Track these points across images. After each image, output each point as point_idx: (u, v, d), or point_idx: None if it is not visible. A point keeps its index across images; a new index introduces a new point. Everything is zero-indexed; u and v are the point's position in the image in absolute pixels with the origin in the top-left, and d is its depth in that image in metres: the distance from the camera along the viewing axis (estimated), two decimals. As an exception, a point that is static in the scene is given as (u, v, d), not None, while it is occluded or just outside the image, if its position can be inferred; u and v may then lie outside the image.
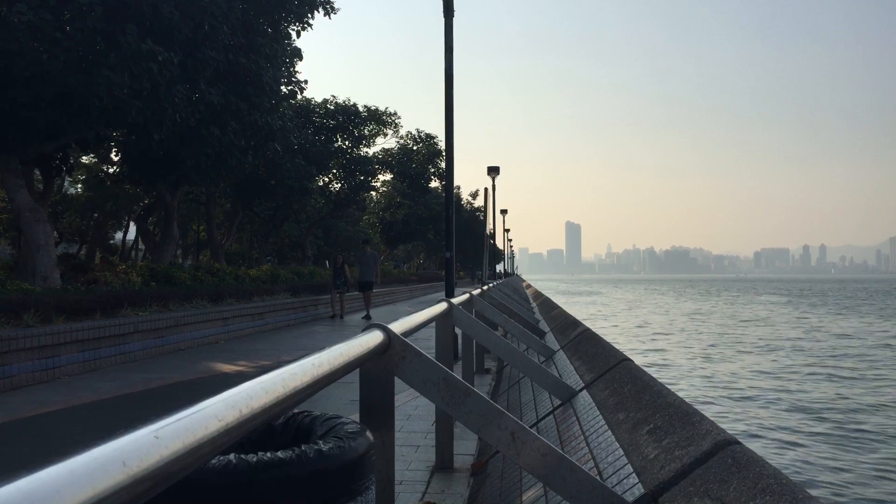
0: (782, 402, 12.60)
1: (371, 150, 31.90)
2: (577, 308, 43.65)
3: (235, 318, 13.13)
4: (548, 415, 3.68)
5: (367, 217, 49.19)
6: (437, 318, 3.56)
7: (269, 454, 1.46)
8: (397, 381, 1.92)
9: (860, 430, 10.35)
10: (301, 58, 16.58)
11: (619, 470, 2.04)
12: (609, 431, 2.47)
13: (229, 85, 12.73)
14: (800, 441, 9.71)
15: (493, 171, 28.41)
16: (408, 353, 1.88)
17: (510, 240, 60.03)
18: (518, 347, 5.71)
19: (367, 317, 16.58)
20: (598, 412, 2.86)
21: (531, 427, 3.02)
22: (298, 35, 15.06)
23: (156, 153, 14.08)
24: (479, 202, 62.45)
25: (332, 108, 28.33)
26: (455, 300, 4.23)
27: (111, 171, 22.90)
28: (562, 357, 5.04)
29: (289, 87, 16.82)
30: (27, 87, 10.18)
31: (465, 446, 4.25)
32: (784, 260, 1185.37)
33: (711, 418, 1.95)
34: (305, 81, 17.47)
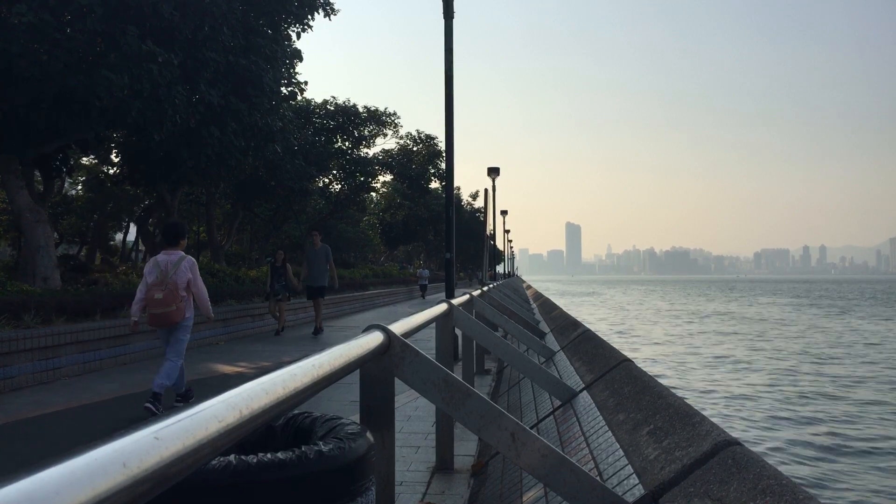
0: (783, 403, 12.59)
1: (371, 151, 31.94)
2: (580, 310, 43.63)
3: (235, 320, 13.14)
4: (548, 415, 3.67)
5: (367, 218, 49.19)
6: (438, 319, 3.56)
7: (269, 455, 1.46)
8: (397, 381, 1.92)
9: (863, 431, 10.33)
10: (301, 59, 16.59)
11: (619, 471, 2.04)
12: (609, 432, 2.47)
13: (229, 86, 12.73)
14: (801, 442, 9.70)
15: (493, 171, 28.43)
16: (408, 354, 1.88)
17: (510, 241, 60.04)
18: (518, 348, 5.70)
19: (318, 331, 13.33)
20: (598, 413, 2.86)
21: (531, 428, 3.02)
22: (298, 36, 15.07)
23: (156, 154, 14.08)
24: (479, 203, 62.53)
25: (331, 108, 28.34)
26: (455, 301, 4.23)
27: (111, 172, 22.91)
28: (562, 358, 5.04)
29: (289, 89, 16.83)
30: (27, 87, 10.18)
31: (466, 447, 4.25)
32: (784, 260, 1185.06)
33: (712, 419, 1.95)
34: (305, 82, 17.53)
